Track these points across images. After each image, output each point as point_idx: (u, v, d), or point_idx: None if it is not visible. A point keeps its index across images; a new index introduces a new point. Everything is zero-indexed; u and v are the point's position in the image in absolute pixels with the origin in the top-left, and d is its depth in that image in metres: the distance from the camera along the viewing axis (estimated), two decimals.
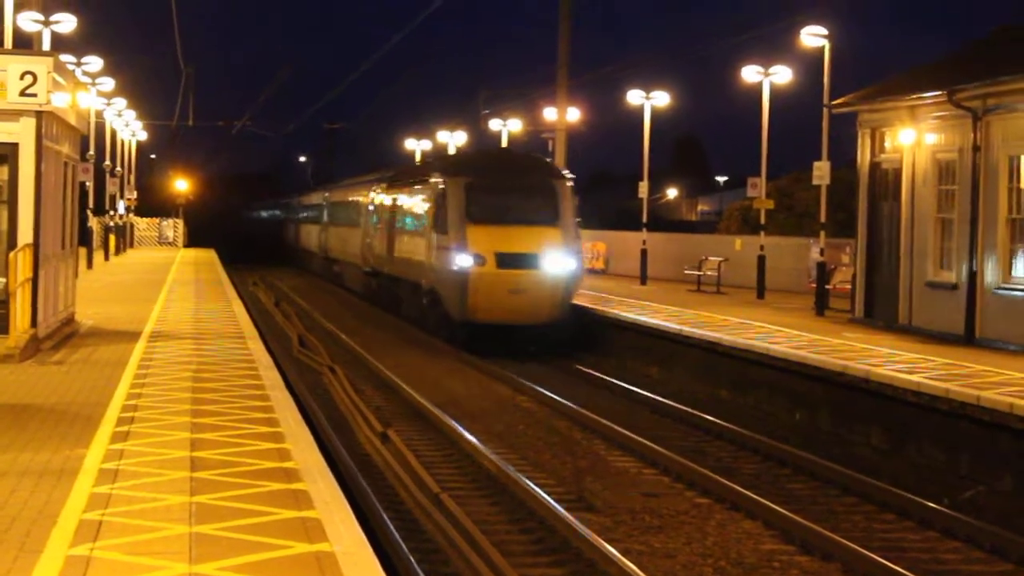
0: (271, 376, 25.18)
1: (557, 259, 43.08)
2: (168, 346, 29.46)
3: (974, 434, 24.76)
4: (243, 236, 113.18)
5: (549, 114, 73.86)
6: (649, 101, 64.98)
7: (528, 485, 22.17)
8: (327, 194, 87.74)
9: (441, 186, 46.51)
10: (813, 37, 48.35)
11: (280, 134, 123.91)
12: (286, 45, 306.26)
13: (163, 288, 49.76)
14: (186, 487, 14.65)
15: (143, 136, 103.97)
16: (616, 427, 28.17)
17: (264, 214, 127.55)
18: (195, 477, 15.12)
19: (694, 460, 24.94)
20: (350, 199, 75.47)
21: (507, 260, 42.89)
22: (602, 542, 18.44)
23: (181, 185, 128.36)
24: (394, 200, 58.04)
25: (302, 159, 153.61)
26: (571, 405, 31.77)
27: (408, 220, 54.45)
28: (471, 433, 27.27)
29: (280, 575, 11.34)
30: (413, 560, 17.66)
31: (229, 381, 23.89)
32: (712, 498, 22.65)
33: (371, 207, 64.78)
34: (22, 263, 27.04)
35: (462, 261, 42.62)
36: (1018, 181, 34.38)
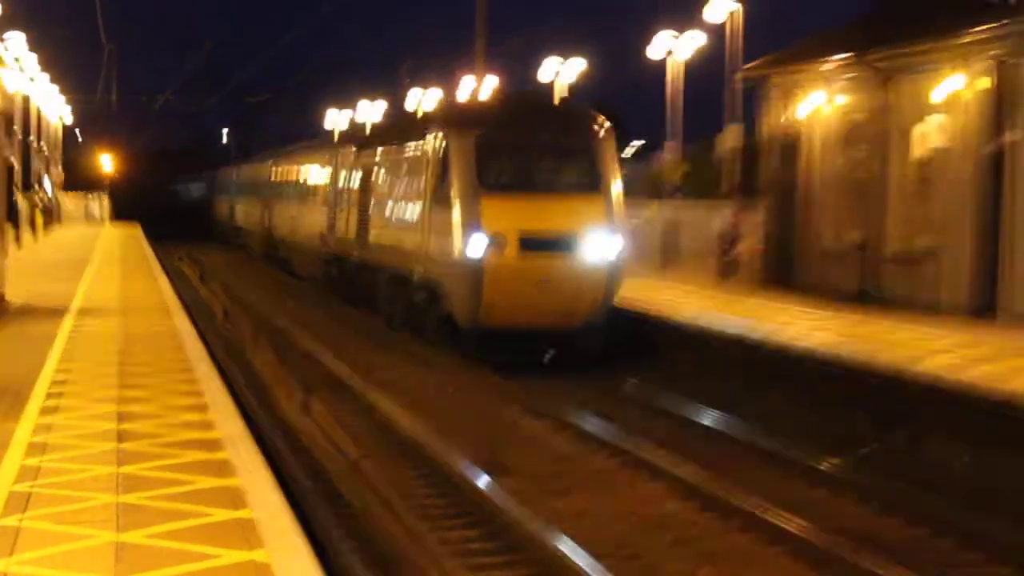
0: (196, 348, 25.27)
1: (600, 240, 30.37)
2: (96, 322, 29.41)
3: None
4: (169, 211, 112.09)
5: (467, 83, 69.98)
6: (564, 67, 65.18)
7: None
8: (272, 164, 73.71)
9: (441, 143, 32.52)
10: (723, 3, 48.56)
11: (203, 109, 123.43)
12: (209, 18, 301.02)
13: (90, 265, 49.46)
14: (113, 458, 14.76)
15: (67, 113, 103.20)
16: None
17: (191, 188, 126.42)
18: (122, 449, 15.23)
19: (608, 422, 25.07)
20: (302, 169, 61.26)
21: (534, 243, 30.06)
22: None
23: (106, 161, 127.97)
24: (370, 168, 42.57)
25: (224, 132, 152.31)
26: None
27: (392, 193, 38.97)
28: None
29: (204, 541, 11.38)
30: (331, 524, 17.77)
31: (156, 354, 23.92)
32: (611, 454, 22.96)
33: (335, 178, 49.99)
34: None
35: (473, 245, 29.82)
36: (922, 140, 34.39)
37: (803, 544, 17.16)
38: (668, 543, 17.72)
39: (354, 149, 47.39)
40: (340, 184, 48.58)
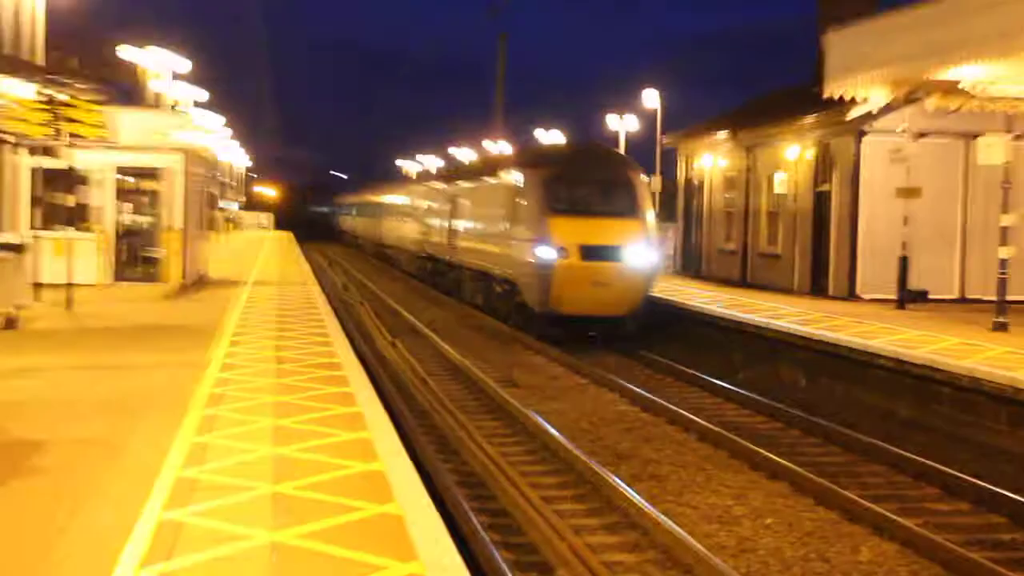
0: (324, 306, 25.41)
1: (639, 252, 28.16)
2: (262, 289, 29.58)
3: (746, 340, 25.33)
4: (309, 223, 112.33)
5: (488, 144, 67.48)
6: (547, 134, 65.52)
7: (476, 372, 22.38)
8: (381, 193, 68.46)
9: (520, 178, 30.48)
10: (650, 96, 48.58)
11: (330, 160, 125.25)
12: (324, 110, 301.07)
13: (259, 255, 49.68)
14: (273, 373, 14.90)
15: (247, 160, 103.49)
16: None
17: (323, 209, 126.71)
18: (279, 368, 15.33)
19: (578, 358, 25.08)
20: (404, 196, 56.59)
21: (591, 252, 27.88)
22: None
23: (270, 191, 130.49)
24: (457, 194, 39.67)
25: (343, 176, 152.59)
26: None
27: (476, 213, 36.29)
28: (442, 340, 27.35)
29: (329, 424, 11.53)
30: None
31: (300, 310, 24.05)
32: (584, 378, 22.92)
33: (429, 202, 46.01)
34: (174, 239, 27.55)
35: (545, 253, 27.71)
36: (771, 189, 34.98)
37: (705, 431, 17.25)
38: (620, 430, 17.72)
39: (442, 183, 44.22)
40: (433, 206, 44.58)
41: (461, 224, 37.97)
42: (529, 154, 34.36)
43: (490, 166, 38.03)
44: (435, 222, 43.41)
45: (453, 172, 48.34)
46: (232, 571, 7.05)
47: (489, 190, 34.07)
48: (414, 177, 62.74)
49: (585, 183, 29.49)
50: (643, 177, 30.39)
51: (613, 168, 30.12)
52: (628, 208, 28.78)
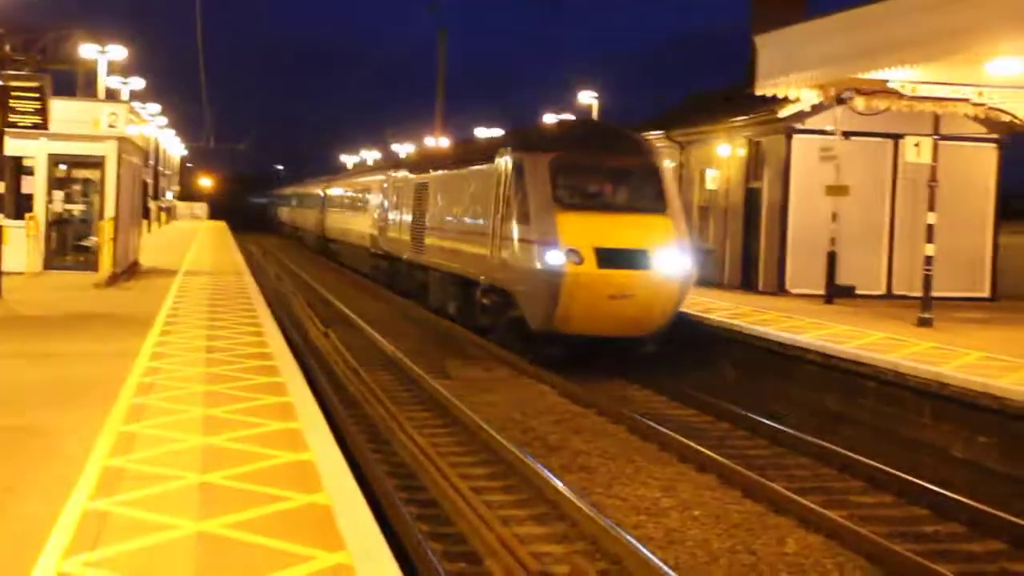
0: (257, 296, 25.17)
1: (670, 256, 22.06)
2: (195, 279, 29.28)
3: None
4: (244, 214, 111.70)
5: (429, 140, 66.96)
6: (488, 133, 64.97)
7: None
8: (324, 184, 64.93)
9: (515, 163, 23.60)
10: (586, 96, 48.80)
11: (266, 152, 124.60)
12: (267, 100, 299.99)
13: (193, 245, 49.24)
14: (203, 362, 14.73)
15: (182, 149, 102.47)
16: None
17: (258, 200, 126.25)
18: (209, 358, 15.15)
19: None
20: (353, 187, 51.84)
21: (611, 258, 21.70)
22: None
23: (205, 182, 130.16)
24: (427, 184, 32.84)
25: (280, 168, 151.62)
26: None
27: (450, 207, 29.50)
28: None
29: (259, 414, 11.41)
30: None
31: (232, 300, 23.87)
32: (517, 371, 22.78)
33: (386, 194, 39.81)
34: (108, 228, 27.20)
35: (552, 259, 21.62)
36: (703, 185, 35.22)
37: (634, 423, 17.35)
38: (550, 422, 17.75)
39: (405, 172, 37.36)
40: (392, 199, 38.54)
41: (432, 219, 31.49)
42: (527, 134, 26.23)
43: (474, 150, 30.68)
44: (395, 216, 37.67)
45: (421, 159, 40.99)
46: (157, 561, 6.95)
47: (473, 179, 27.27)
48: (369, 165, 59.53)
49: (600, 170, 23.60)
50: (668, 163, 24.63)
51: (633, 151, 23.96)
52: (654, 201, 22.96)
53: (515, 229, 23.01)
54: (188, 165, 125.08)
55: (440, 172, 31.74)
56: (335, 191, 58.92)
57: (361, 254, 45.81)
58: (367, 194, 45.66)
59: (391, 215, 38.42)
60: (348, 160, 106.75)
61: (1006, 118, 25.79)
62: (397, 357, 23.35)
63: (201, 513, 7.87)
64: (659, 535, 11.89)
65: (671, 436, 16.16)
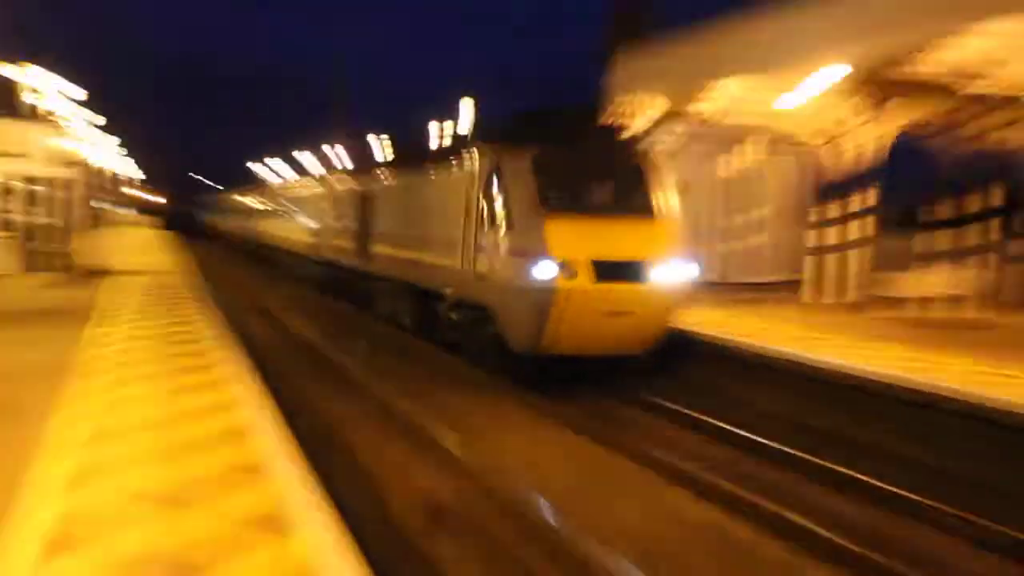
0: (192, 289, 25.12)
1: (673, 267, 17.26)
2: (136, 277, 29.00)
3: None
4: (183, 221, 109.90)
5: (328, 150, 61.66)
6: (379, 140, 63.49)
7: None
8: (258, 193, 58.55)
9: (490, 161, 18.31)
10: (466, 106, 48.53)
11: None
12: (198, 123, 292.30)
13: (139, 251, 48.46)
14: (142, 349, 15.07)
15: (135, 169, 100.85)
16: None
17: (195, 210, 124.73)
18: (135, 346, 15.51)
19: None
20: (289, 194, 45.64)
21: (609, 271, 16.86)
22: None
23: (153, 197, 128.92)
24: (372, 190, 27.34)
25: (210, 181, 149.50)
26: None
27: (407, 212, 23.62)
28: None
29: (201, 389, 11.87)
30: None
31: (168, 293, 23.95)
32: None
33: (328, 199, 34.18)
34: (57, 236, 27.57)
35: (541, 272, 16.59)
36: None
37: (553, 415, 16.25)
38: (446, 383, 17.94)
39: (348, 177, 32.08)
40: (334, 206, 32.93)
41: (382, 226, 26.10)
42: (503, 126, 19.55)
43: (435, 149, 25.43)
44: (337, 223, 32.10)
45: (367, 163, 34.58)
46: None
47: (434, 181, 21.61)
48: (308, 171, 55.47)
49: (589, 168, 18.01)
50: (655, 159, 18.75)
51: (622, 145, 18.73)
52: (648, 203, 17.70)
53: (493, 237, 17.56)
54: (140, 181, 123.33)
55: (390, 176, 26.18)
56: (270, 198, 55.23)
57: (298, 259, 40.62)
58: (305, 202, 40.23)
59: (333, 222, 32.80)
60: (264, 170, 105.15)
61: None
62: (310, 340, 23.60)
63: (162, 461, 8.45)
64: None
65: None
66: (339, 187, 33.07)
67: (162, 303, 21.61)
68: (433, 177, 21.70)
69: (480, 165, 18.55)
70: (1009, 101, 20.88)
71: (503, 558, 9.84)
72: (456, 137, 22.72)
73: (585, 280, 16.48)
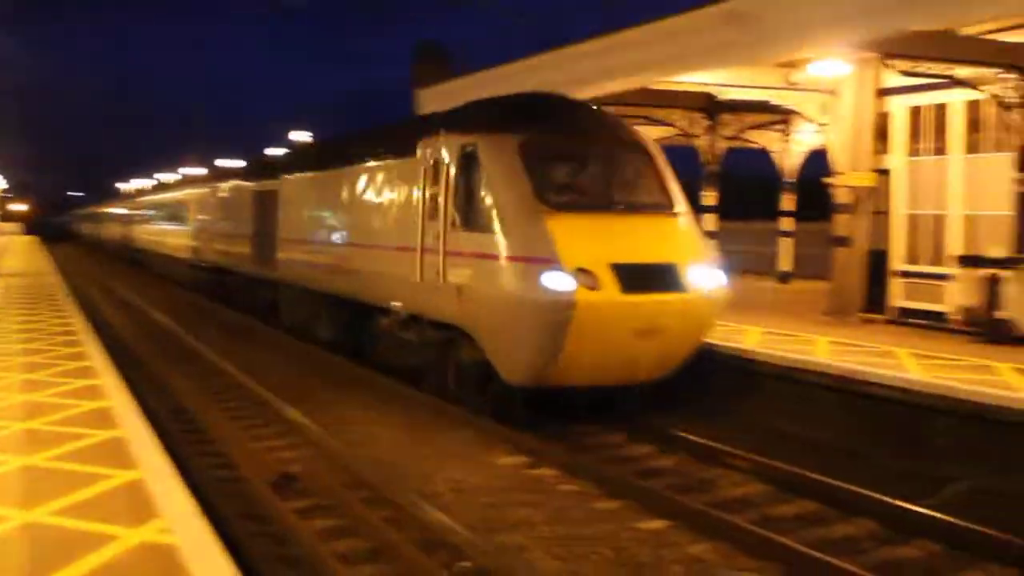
0: (63, 289, 24.29)
1: (704, 271, 11.52)
2: (10, 278, 27.93)
3: None
4: (54, 230, 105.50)
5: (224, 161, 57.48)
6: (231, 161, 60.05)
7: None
8: (131, 202, 54.57)
9: (464, 151, 12.21)
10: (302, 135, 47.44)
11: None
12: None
13: (7, 255, 46.55)
14: (14, 339, 14.54)
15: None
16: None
17: (64, 220, 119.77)
18: (21, 335, 14.95)
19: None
20: (167, 202, 40.34)
21: (636, 278, 10.88)
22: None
23: (21, 207, 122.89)
24: (275, 192, 21.60)
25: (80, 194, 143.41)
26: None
27: (331, 214, 17.72)
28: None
29: (66, 375, 11.53)
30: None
31: (39, 294, 23.14)
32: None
33: (214, 205, 28.91)
34: None
35: (552, 282, 10.51)
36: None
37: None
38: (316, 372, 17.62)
39: (239, 181, 26.22)
40: (219, 210, 28.07)
41: (291, 231, 20.48)
42: (478, 111, 13.66)
43: (373, 142, 16.52)
44: (224, 227, 27.11)
45: (265, 165, 26.02)
46: None
47: (374, 178, 15.79)
48: (187, 179, 50.15)
49: (588, 157, 12.74)
50: (658, 148, 13.44)
51: (621, 133, 13.38)
52: (661, 197, 12.78)
53: (474, 241, 12.15)
54: (7, 195, 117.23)
55: (301, 175, 20.55)
56: (144, 206, 50.95)
57: (176, 264, 35.72)
58: (183, 207, 35.19)
59: (219, 226, 27.96)
60: (130, 184, 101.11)
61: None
62: (169, 328, 23.06)
63: (25, 452, 8.28)
64: None
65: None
66: (227, 189, 27.55)
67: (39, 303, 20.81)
68: (371, 173, 15.98)
69: (449, 156, 12.95)
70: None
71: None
72: (403, 127, 16.55)
73: (611, 291, 11.23)
